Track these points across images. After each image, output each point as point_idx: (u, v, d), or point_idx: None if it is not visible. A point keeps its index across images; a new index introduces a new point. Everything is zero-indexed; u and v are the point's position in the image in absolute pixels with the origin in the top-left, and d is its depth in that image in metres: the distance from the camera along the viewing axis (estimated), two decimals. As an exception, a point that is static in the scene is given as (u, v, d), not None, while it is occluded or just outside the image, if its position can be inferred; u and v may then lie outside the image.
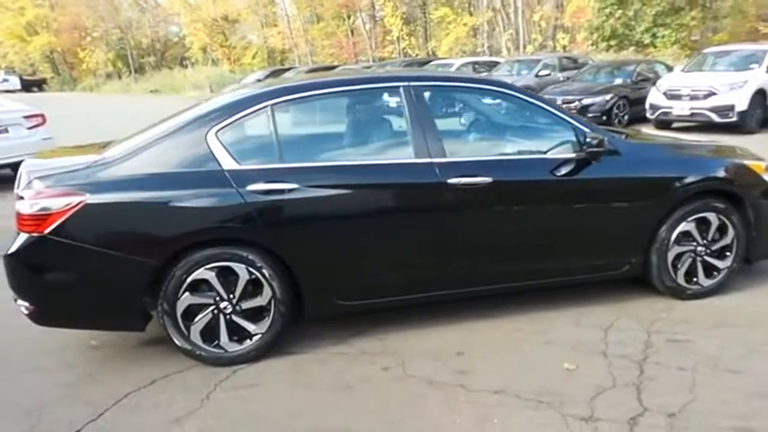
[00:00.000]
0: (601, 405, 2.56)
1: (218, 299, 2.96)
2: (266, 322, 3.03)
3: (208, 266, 2.91)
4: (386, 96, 3.26)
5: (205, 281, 2.93)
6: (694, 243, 3.51)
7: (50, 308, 2.94)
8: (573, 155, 3.22)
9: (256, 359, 3.06)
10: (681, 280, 3.54)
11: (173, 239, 2.86)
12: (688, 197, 3.42)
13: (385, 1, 31.79)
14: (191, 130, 3.00)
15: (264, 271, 2.96)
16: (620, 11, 17.99)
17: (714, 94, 10.48)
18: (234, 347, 3.02)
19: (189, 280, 2.90)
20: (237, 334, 3.02)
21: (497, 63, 17.34)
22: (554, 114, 3.33)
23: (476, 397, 2.67)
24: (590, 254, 3.39)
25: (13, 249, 2.83)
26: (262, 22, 40.88)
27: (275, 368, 3.02)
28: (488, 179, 3.11)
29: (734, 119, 10.32)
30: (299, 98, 3.13)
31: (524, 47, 24.90)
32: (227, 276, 2.95)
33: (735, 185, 3.50)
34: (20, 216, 2.84)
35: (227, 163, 2.94)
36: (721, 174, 3.48)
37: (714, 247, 3.55)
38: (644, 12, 17.90)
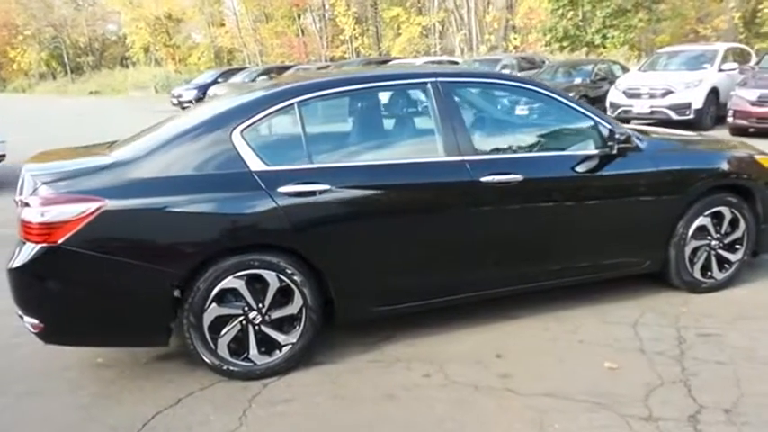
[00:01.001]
0: (656, 404, 2.54)
1: (246, 309, 2.78)
2: (297, 332, 2.87)
3: (236, 275, 2.72)
4: (414, 93, 3.16)
5: (233, 290, 2.75)
6: (709, 237, 3.57)
7: (64, 324, 2.68)
8: (599, 151, 3.20)
9: (286, 371, 2.90)
10: (697, 274, 3.59)
11: (200, 247, 2.66)
12: (705, 192, 3.47)
13: (336, 0, 31.56)
14: (213, 129, 2.80)
15: (296, 278, 2.80)
16: (571, 12, 18.47)
17: (671, 92, 10.88)
18: (263, 360, 2.84)
19: (216, 290, 2.71)
20: (266, 345, 2.85)
21: (457, 63, 17.47)
22: (577, 110, 3.31)
23: (528, 401, 2.60)
24: (616, 250, 3.40)
25: (20, 262, 2.57)
26: (208, 21, 39.81)
27: (307, 380, 2.86)
28: (519, 177, 3.05)
29: (691, 116, 10.74)
30: (326, 95, 2.98)
31: (477, 47, 25.25)
32: (256, 284, 2.78)
33: (747, 179, 3.58)
34: (26, 225, 2.58)
35: (255, 164, 2.76)
36: (736, 168, 3.56)
37: (726, 241, 3.62)
38: (593, 13, 18.45)
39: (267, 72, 22.72)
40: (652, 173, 3.33)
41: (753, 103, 9.58)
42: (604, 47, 18.42)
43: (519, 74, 15.14)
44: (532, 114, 3.47)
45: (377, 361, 3.02)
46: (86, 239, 2.54)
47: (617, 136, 3.16)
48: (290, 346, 2.86)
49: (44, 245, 2.53)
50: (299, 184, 2.75)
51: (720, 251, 3.62)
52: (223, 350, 2.78)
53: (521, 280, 3.24)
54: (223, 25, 40.47)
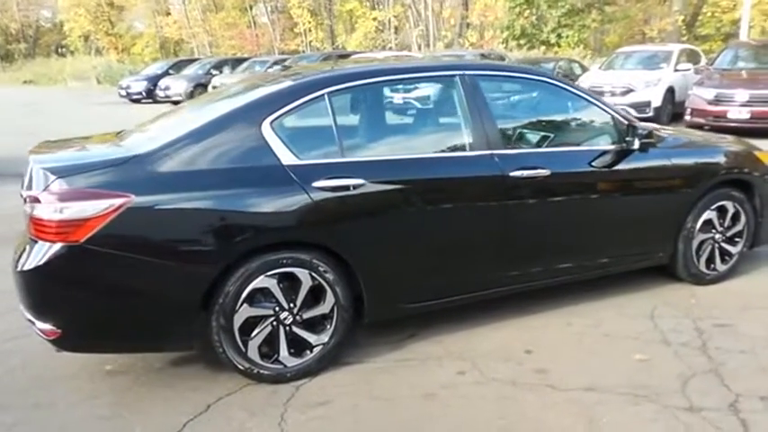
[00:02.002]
0: (694, 394, 2.58)
1: (277, 309, 2.66)
2: (328, 331, 2.77)
3: (268, 273, 2.60)
4: (442, 85, 3.09)
5: (264, 290, 2.62)
6: (713, 230, 3.68)
7: (83, 330, 2.49)
8: (622, 146, 3.23)
9: (316, 373, 2.79)
10: (702, 266, 3.69)
11: (232, 244, 2.52)
12: (712, 186, 3.56)
13: (290, -9, 31.04)
14: (242, 119, 2.66)
15: (328, 275, 2.69)
16: (528, 11, 18.85)
17: (632, 90, 11.23)
18: (293, 362, 2.73)
19: (248, 290, 2.57)
20: (296, 346, 2.73)
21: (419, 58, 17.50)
22: (598, 106, 3.34)
23: (571, 396, 2.59)
24: (636, 243, 3.46)
25: (35, 262, 2.36)
26: (153, 10, 38.39)
27: (340, 381, 2.76)
28: (547, 171, 3.04)
29: (650, 114, 11.10)
30: (356, 86, 2.88)
31: (434, 43, 25.39)
32: (288, 283, 2.66)
33: (748, 174, 3.70)
34: (40, 223, 2.37)
35: (287, 157, 2.64)
36: (740, 163, 3.68)
37: (728, 234, 3.74)
38: (549, 13, 18.89)
39: (222, 64, 22.13)
40: (668, 167, 3.40)
41: (710, 102, 10.00)
42: (559, 45, 18.89)
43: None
44: (555, 109, 3.47)
45: (407, 359, 2.95)
46: (111, 238, 2.36)
47: (639, 131, 3.20)
48: (321, 346, 2.76)
49: (63, 244, 2.34)
50: (333, 178, 2.65)
51: (723, 244, 3.74)
52: (254, 353, 2.65)
53: (547, 275, 3.24)
54: (169, 14, 39.11)
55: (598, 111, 3.32)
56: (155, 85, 21.08)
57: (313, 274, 2.67)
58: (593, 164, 3.19)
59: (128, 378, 2.83)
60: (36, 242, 2.42)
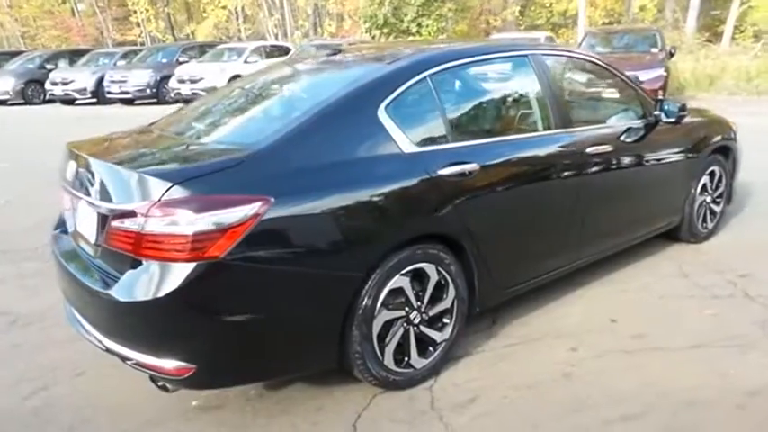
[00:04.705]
0: (779, 338, 2.88)
1: (407, 309, 2.47)
2: (449, 327, 2.64)
3: (403, 272, 2.39)
4: (520, 65, 3.04)
5: (397, 290, 2.41)
6: (706, 193, 4.11)
7: (223, 361, 2.08)
8: (663, 119, 3.46)
9: (438, 371, 2.65)
10: (700, 226, 4.12)
11: (375, 244, 2.28)
12: (710, 153, 3.97)
13: (122, -23, 28.30)
14: (357, 105, 2.40)
15: (451, 267, 2.56)
16: (388, 0, 19.22)
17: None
18: (421, 363, 2.56)
19: (385, 292, 2.35)
20: (421, 346, 2.56)
21: (288, 48, 17.07)
22: (628, 84, 3.55)
23: (686, 355, 2.74)
24: (668, 209, 3.76)
25: (165, 288, 1.93)
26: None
27: (468, 376, 2.63)
28: (609, 147, 3.17)
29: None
30: (452, 67, 2.73)
31: (292, 33, 24.84)
32: (415, 281, 2.47)
33: (730, 140, 4.19)
34: (159, 239, 1.95)
35: (406, 145, 2.44)
36: (725, 131, 4.14)
37: (715, 195, 4.20)
38: (408, 2, 19.46)
39: (57, 57, 19.57)
40: (689, 138, 3.72)
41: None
42: (420, 34, 19.54)
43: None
44: (597, 86, 3.63)
45: (512, 345, 2.91)
46: (253, 249, 2.00)
47: (672, 105, 3.46)
48: (444, 343, 2.62)
49: (200, 262, 1.94)
50: (451, 165, 2.50)
51: (711, 205, 4.19)
52: (389, 359, 2.43)
53: (609, 246, 3.40)
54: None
55: (630, 88, 3.52)
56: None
57: (439, 267, 2.51)
58: (639, 138, 3.39)
59: (229, 412, 2.44)
60: (144, 264, 1.98)
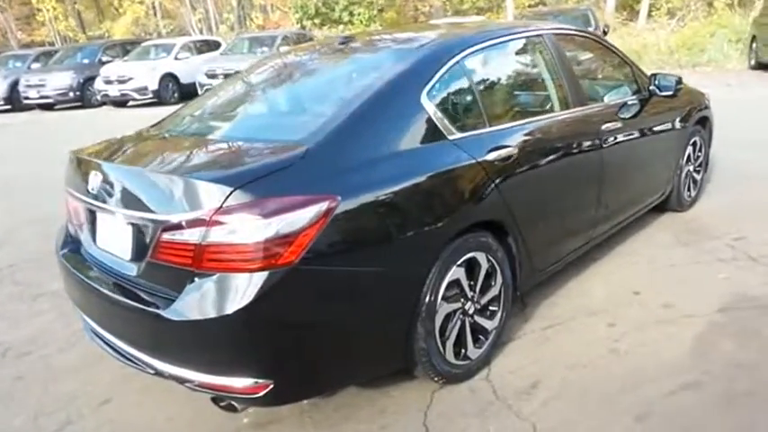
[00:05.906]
0: (794, 298, 3.03)
1: (463, 300, 2.41)
2: (498, 314, 2.60)
3: (458, 262, 2.33)
4: (537, 46, 3.02)
5: (454, 282, 2.34)
6: (689, 162, 4.27)
7: (300, 374, 1.95)
8: (663, 92, 3.55)
9: (489, 360, 2.61)
10: (685, 194, 4.28)
11: (435, 236, 2.20)
12: (693, 124, 4.13)
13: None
14: (400, 93, 2.29)
15: (499, 254, 2.52)
16: (318, -11, 18.92)
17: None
18: (476, 353, 2.51)
19: (445, 284, 2.28)
20: (474, 336, 2.52)
21: (218, 43, 16.45)
22: (625, 60, 3.62)
23: (714, 319, 2.82)
24: (659, 183, 3.88)
25: (238, 303, 1.77)
26: None
27: (518, 362, 2.59)
28: (619, 123, 3.22)
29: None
30: (483, 49, 2.67)
31: (217, 27, 23.94)
32: (468, 271, 2.42)
33: (707, 110, 4.37)
34: (222, 249, 1.80)
35: (450, 131, 2.36)
36: (703, 101, 4.31)
37: (696, 165, 4.38)
38: (337, -9, 19.24)
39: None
40: (678, 110, 3.85)
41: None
42: (352, 23, 19.37)
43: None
44: (601, 64, 3.67)
45: (550, 326, 2.90)
46: (324, 251, 1.88)
47: (665, 82, 3.55)
48: (494, 331, 2.59)
49: (273, 270, 1.79)
50: (494, 149, 2.45)
51: (693, 173, 4.37)
52: (450, 353, 2.37)
53: (620, 221, 3.47)
54: None
55: (627, 64, 3.60)
56: None
57: (488, 255, 2.47)
58: (642, 111, 3.47)
59: (287, 426, 2.30)
60: (206, 278, 1.82)
